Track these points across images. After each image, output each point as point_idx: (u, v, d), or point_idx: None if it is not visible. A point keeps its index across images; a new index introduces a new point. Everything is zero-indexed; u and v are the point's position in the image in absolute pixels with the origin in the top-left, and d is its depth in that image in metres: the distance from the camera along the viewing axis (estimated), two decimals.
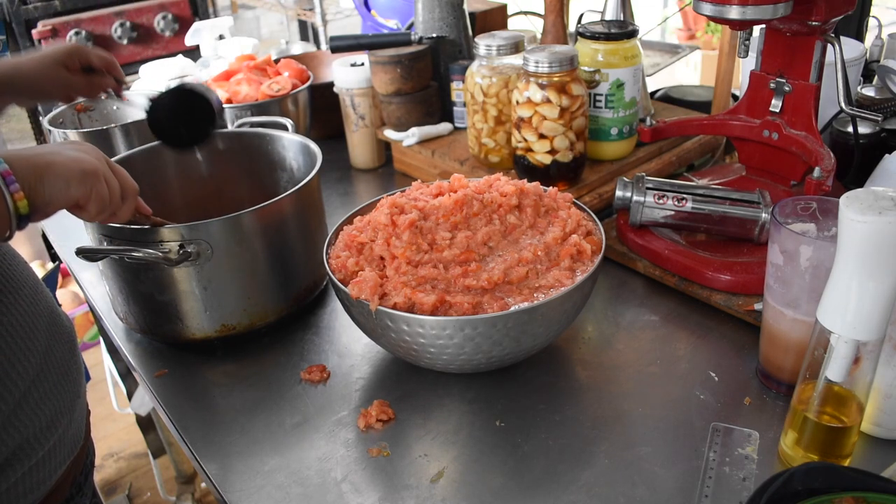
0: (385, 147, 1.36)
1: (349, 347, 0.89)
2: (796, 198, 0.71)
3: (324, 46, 2.47)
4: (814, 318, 0.62)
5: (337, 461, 0.72)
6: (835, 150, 0.91)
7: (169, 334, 0.89)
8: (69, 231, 1.23)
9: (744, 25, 0.85)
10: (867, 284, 0.57)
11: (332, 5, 2.60)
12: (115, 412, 2.11)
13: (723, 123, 1.02)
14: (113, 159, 0.98)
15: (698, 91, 1.49)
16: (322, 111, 1.42)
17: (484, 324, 0.70)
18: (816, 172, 0.85)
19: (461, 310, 0.72)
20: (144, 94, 1.14)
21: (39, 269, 2.41)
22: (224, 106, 1.26)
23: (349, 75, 1.28)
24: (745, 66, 1.15)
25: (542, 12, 1.25)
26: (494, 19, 1.45)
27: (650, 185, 0.95)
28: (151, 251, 0.79)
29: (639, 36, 1.09)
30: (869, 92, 1.14)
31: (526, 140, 1.04)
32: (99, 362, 2.18)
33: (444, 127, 1.28)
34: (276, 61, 1.42)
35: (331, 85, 1.35)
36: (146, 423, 1.76)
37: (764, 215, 0.90)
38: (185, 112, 0.91)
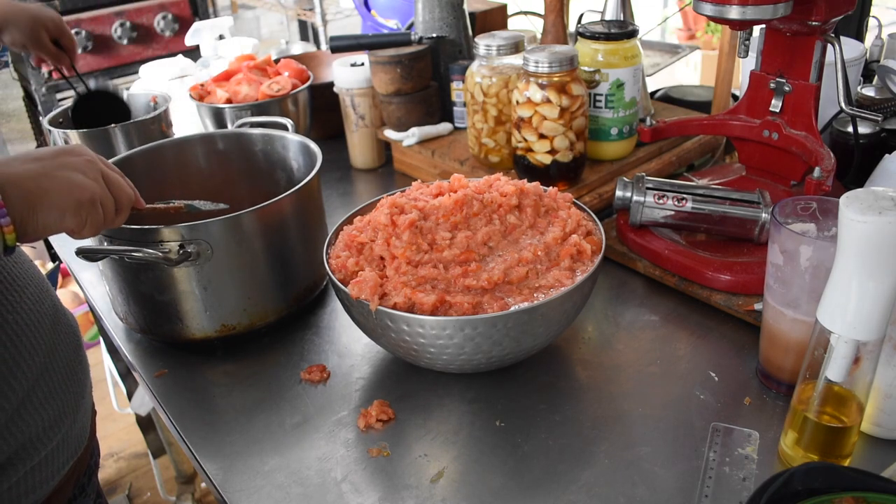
0: (385, 147, 1.36)
1: (349, 347, 0.89)
2: (796, 198, 0.71)
3: (324, 46, 2.47)
4: (814, 318, 0.62)
5: (337, 461, 0.72)
6: (835, 150, 0.91)
7: (169, 334, 0.89)
8: None
9: (744, 25, 0.85)
10: (867, 284, 0.57)
11: (332, 5, 2.60)
12: (115, 412, 2.11)
13: (723, 123, 1.02)
14: (113, 159, 0.98)
15: (698, 91, 1.49)
16: (322, 111, 1.42)
17: (484, 324, 0.70)
18: (816, 172, 0.85)
19: (461, 310, 0.72)
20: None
21: (40, 268, 2.41)
22: (224, 106, 1.26)
23: (349, 75, 1.28)
24: (745, 66, 1.15)
25: (542, 12, 1.25)
26: (494, 19, 1.45)
27: (650, 185, 0.95)
28: (151, 251, 0.79)
29: (639, 36, 1.09)
30: (869, 92, 1.14)
31: (526, 140, 1.04)
32: (99, 362, 2.18)
33: (444, 127, 1.28)
34: (276, 61, 1.42)
35: (331, 85, 1.35)
36: (146, 423, 1.76)
37: (764, 215, 0.90)
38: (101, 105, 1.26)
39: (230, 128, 1.25)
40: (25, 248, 2.46)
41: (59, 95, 2.44)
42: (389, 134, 1.29)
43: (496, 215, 0.81)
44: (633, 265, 0.98)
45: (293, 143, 1.04)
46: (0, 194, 0.57)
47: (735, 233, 0.93)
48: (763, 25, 0.92)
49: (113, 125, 1.18)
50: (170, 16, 2.65)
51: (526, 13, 1.63)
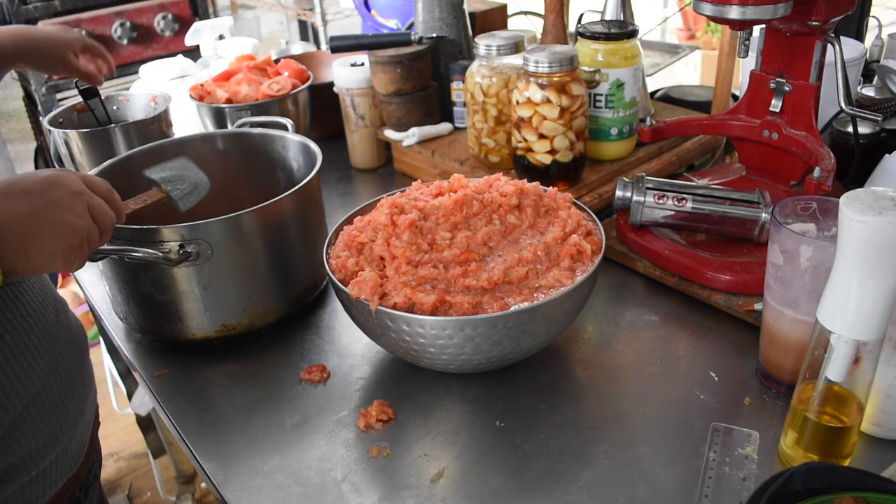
0: (385, 147, 1.36)
1: (349, 347, 0.89)
2: (796, 198, 0.71)
3: (324, 46, 2.47)
4: (814, 318, 0.62)
5: (337, 461, 0.72)
6: (835, 150, 0.91)
7: (169, 334, 0.89)
8: None
9: (744, 25, 0.85)
10: (867, 284, 0.57)
11: (332, 5, 2.60)
12: (115, 412, 2.11)
13: (723, 123, 1.02)
14: (113, 159, 0.98)
15: (698, 91, 1.49)
16: (322, 111, 1.42)
17: (484, 324, 0.70)
18: (816, 172, 0.85)
19: (461, 310, 0.72)
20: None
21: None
22: (224, 106, 1.26)
23: (349, 75, 1.28)
24: (745, 66, 1.15)
25: (542, 12, 1.25)
26: (494, 19, 1.45)
27: (650, 185, 0.95)
28: (151, 251, 0.79)
29: (639, 36, 1.09)
30: (869, 92, 1.14)
31: (526, 140, 1.04)
32: (99, 362, 2.18)
33: (444, 127, 1.28)
34: (276, 61, 1.42)
35: (331, 85, 1.35)
36: (146, 423, 1.76)
37: (764, 215, 0.90)
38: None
39: (230, 128, 1.25)
40: None
41: (59, 95, 2.44)
42: (389, 134, 1.29)
43: (496, 215, 0.81)
44: (633, 265, 0.98)
45: (293, 143, 1.04)
46: (6, 233, 0.57)
47: (735, 233, 0.93)
48: (763, 25, 0.92)
49: (113, 125, 1.18)
50: (170, 16, 2.64)
51: (526, 13, 1.63)
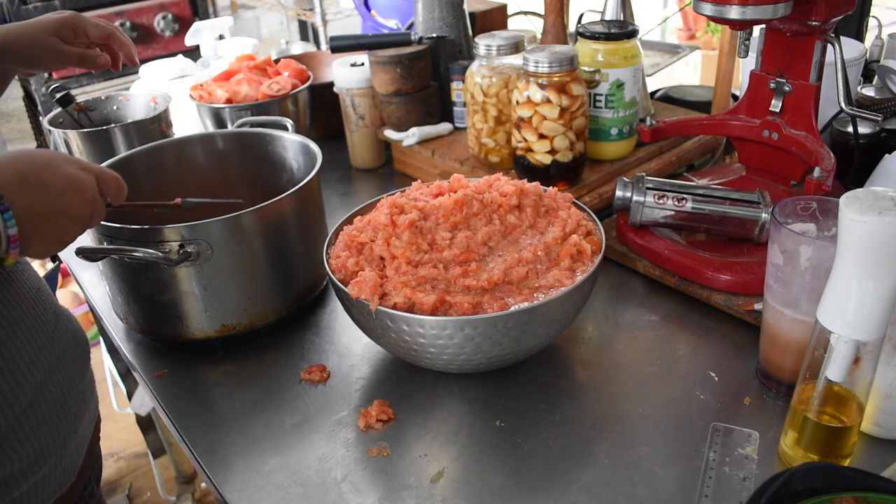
0: (385, 147, 1.36)
1: (349, 347, 0.89)
2: (796, 198, 0.71)
3: (324, 46, 2.47)
4: (814, 318, 0.62)
5: (337, 461, 0.72)
6: (835, 150, 0.91)
7: (169, 334, 0.89)
8: None
9: (744, 25, 0.85)
10: (867, 284, 0.57)
11: (332, 5, 2.60)
12: (115, 412, 2.11)
13: (723, 123, 1.02)
14: (113, 159, 0.98)
15: (698, 91, 1.49)
16: (322, 111, 1.42)
17: (484, 324, 0.70)
18: (816, 172, 0.85)
19: (461, 310, 0.72)
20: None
21: (39, 268, 2.41)
22: (224, 106, 1.26)
23: (349, 75, 1.28)
24: (745, 66, 1.15)
25: (542, 12, 1.25)
26: (494, 19, 1.45)
27: (650, 185, 0.95)
28: (151, 251, 0.79)
29: (639, 36, 1.09)
30: (869, 92, 1.14)
31: (526, 140, 1.04)
32: (99, 362, 2.18)
33: (444, 127, 1.28)
34: (276, 61, 1.42)
35: (331, 85, 1.35)
36: (146, 423, 1.76)
37: (764, 215, 0.90)
38: None
39: (230, 128, 1.25)
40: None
41: (59, 96, 2.44)
42: (389, 134, 1.29)
43: (496, 215, 0.81)
44: (633, 265, 0.98)
45: (293, 143, 1.04)
46: (18, 227, 0.58)
47: (735, 233, 0.93)
48: (763, 25, 0.92)
49: (113, 125, 1.18)
50: (170, 16, 2.65)
51: (526, 13, 1.63)
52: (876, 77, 1.15)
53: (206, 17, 2.74)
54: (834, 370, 0.61)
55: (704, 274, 0.90)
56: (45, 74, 2.38)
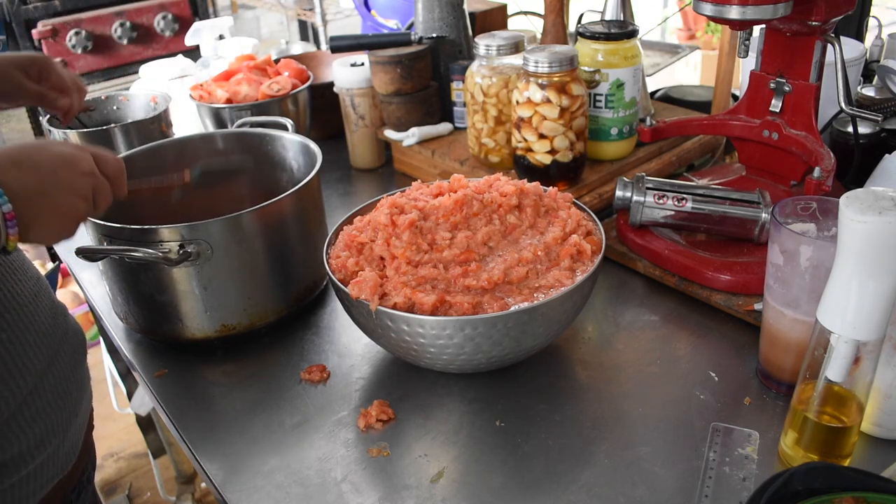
0: (385, 147, 1.36)
1: (349, 347, 0.89)
2: (796, 198, 0.71)
3: (324, 46, 2.47)
4: (814, 318, 0.62)
5: (337, 461, 0.72)
6: (835, 150, 0.91)
7: (169, 334, 0.89)
8: None
9: (744, 25, 0.85)
10: (867, 284, 0.57)
11: (332, 5, 2.60)
12: (115, 412, 2.10)
13: (723, 123, 1.02)
14: None
15: (698, 91, 1.49)
16: (322, 111, 1.42)
17: (484, 324, 0.70)
18: (816, 172, 0.85)
19: (461, 310, 0.72)
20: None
21: (39, 268, 2.41)
22: (224, 106, 1.26)
23: (349, 75, 1.28)
24: (745, 66, 1.15)
25: (542, 12, 1.25)
26: (494, 19, 1.45)
27: (650, 185, 0.95)
28: (151, 251, 0.79)
29: (639, 36, 1.09)
30: (869, 92, 1.14)
31: (526, 140, 1.04)
32: (99, 362, 2.18)
33: (444, 127, 1.28)
34: (276, 61, 1.42)
35: (331, 85, 1.35)
36: (146, 423, 1.76)
37: (764, 215, 0.90)
38: None
39: (230, 128, 1.25)
40: (24, 249, 2.46)
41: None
42: (389, 134, 1.29)
43: (496, 215, 0.81)
44: (633, 265, 0.98)
45: (293, 143, 1.04)
46: (12, 205, 0.58)
47: (735, 233, 0.93)
48: (763, 25, 0.92)
49: (113, 125, 1.18)
50: (170, 16, 2.65)
51: (526, 13, 1.63)
52: (876, 77, 1.15)
53: (206, 17, 2.74)
54: (834, 370, 0.61)
55: (704, 274, 0.90)
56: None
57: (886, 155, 0.96)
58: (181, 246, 0.81)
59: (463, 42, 1.28)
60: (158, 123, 1.22)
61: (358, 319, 0.78)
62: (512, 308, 0.72)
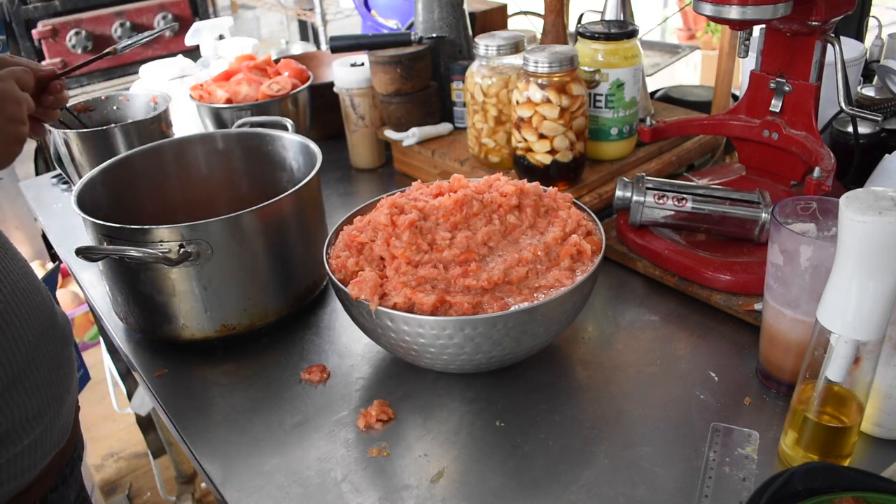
0: (385, 147, 1.36)
1: (349, 347, 0.89)
2: (796, 198, 0.71)
3: (324, 46, 2.47)
4: (814, 318, 0.62)
5: (337, 461, 0.72)
6: (835, 150, 0.91)
7: (169, 334, 0.89)
8: (69, 231, 1.23)
9: (744, 25, 0.85)
10: (867, 284, 0.57)
11: (332, 5, 2.60)
12: (115, 412, 2.10)
13: (723, 123, 1.02)
14: (113, 159, 0.99)
15: (698, 91, 1.49)
16: (322, 111, 1.42)
17: (484, 324, 0.70)
18: (816, 172, 0.85)
19: (461, 310, 0.72)
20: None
21: (39, 268, 2.41)
22: (224, 106, 1.26)
23: (349, 75, 1.28)
24: (745, 66, 1.15)
25: (542, 12, 1.25)
26: (494, 19, 1.45)
27: (650, 185, 0.95)
28: (151, 251, 0.79)
29: (639, 36, 1.09)
30: (869, 92, 1.14)
31: (526, 140, 1.04)
32: (99, 362, 2.18)
33: (444, 127, 1.28)
34: (276, 61, 1.42)
35: (331, 85, 1.35)
36: (146, 423, 1.76)
37: (764, 215, 0.90)
38: None
39: (230, 128, 1.25)
40: (22, 249, 2.46)
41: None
42: (389, 134, 1.29)
43: (496, 215, 0.81)
44: (633, 265, 0.98)
45: (293, 143, 1.04)
46: None
47: (735, 233, 0.93)
48: (763, 25, 0.92)
49: (113, 125, 1.18)
50: (170, 16, 2.65)
51: (526, 13, 1.63)
52: (876, 77, 1.15)
53: (206, 17, 2.74)
54: (834, 370, 0.61)
55: (704, 274, 0.90)
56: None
57: (886, 155, 0.96)
58: (181, 246, 0.81)
59: (463, 42, 1.28)
60: (158, 123, 1.22)
61: (358, 319, 0.78)
62: (512, 308, 0.72)
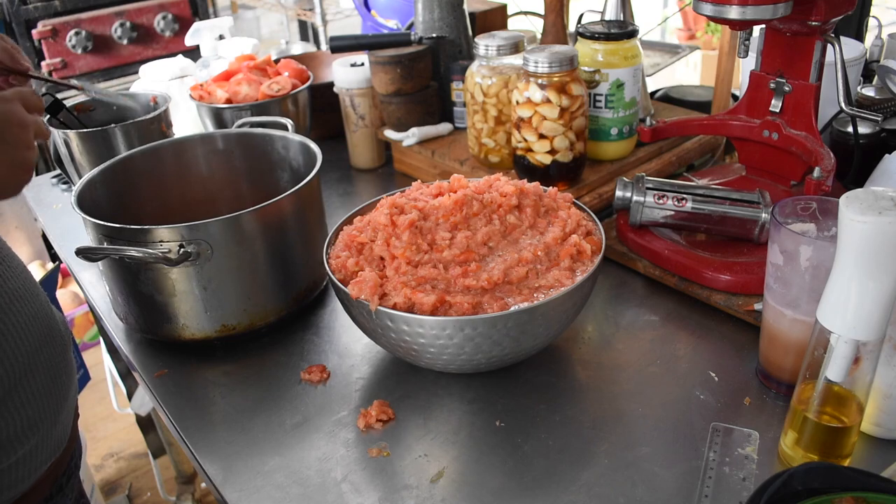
0: (385, 147, 1.36)
1: (349, 347, 0.89)
2: (796, 198, 0.71)
3: (324, 46, 2.47)
4: (814, 318, 0.62)
5: (337, 461, 0.72)
6: (835, 150, 0.91)
7: (169, 334, 0.89)
8: (69, 231, 1.23)
9: (744, 25, 0.85)
10: (867, 284, 0.57)
11: (332, 5, 2.60)
12: (115, 412, 2.11)
13: (723, 123, 1.02)
14: (113, 160, 0.99)
15: (698, 91, 1.49)
16: (322, 111, 1.42)
17: (484, 324, 0.70)
18: (816, 172, 0.85)
19: (461, 310, 0.72)
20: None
21: (39, 269, 2.41)
22: (224, 106, 1.26)
23: (349, 75, 1.28)
24: (745, 66, 1.15)
25: (542, 12, 1.25)
26: (494, 19, 1.45)
27: (650, 185, 0.95)
28: (151, 251, 0.79)
29: (639, 36, 1.09)
30: (869, 92, 1.14)
31: (526, 140, 1.04)
32: (99, 362, 2.18)
33: (444, 127, 1.28)
34: (276, 61, 1.42)
35: (331, 85, 1.35)
36: (146, 423, 1.76)
37: (764, 215, 0.90)
38: None
39: (230, 128, 1.25)
40: (23, 250, 2.46)
41: (58, 96, 2.44)
42: (389, 134, 1.29)
43: (496, 215, 0.81)
44: (633, 265, 0.98)
45: (293, 143, 1.04)
46: None
47: (735, 233, 0.93)
48: (763, 25, 0.92)
49: (113, 125, 1.18)
50: (170, 16, 2.65)
51: (526, 13, 1.63)
52: (876, 77, 1.15)
53: (206, 17, 2.74)
54: (834, 370, 0.61)
55: (704, 274, 0.90)
56: (45, 73, 2.39)
57: (886, 155, 0.96)
58: (181, 246, 0.81)
59: (463, 42, 1.28)
60: (158, 123, 1.22)
61: (358, 319, 0.78)
62: (512, 308, 0.72)
